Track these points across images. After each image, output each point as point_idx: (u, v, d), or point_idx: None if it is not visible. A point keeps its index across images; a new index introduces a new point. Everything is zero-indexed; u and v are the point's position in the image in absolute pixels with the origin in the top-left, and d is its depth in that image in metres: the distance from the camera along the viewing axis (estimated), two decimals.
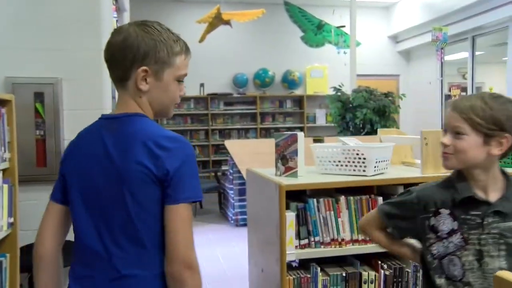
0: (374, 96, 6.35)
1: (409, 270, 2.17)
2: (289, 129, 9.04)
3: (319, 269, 2.09)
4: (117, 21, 4.13)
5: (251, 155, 5.05)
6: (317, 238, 2.07)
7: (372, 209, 2.10)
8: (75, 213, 1.25)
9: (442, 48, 7.14)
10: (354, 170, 2.16)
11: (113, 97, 3.77)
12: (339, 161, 2.21)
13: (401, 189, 2.15)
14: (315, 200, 2.07)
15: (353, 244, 2.10)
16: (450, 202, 1.39)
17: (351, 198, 2.09)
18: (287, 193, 2.02)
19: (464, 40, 7.78)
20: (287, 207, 2.06)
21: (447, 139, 1.37)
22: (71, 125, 2.74)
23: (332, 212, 2.07)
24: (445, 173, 2.15)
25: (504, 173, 1.40)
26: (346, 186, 2.10)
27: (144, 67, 1.21)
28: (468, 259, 1.36)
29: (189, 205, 1.18)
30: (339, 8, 8.32)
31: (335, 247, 2.08)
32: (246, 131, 9.09)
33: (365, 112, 6.11)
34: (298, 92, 9.22)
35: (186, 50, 1.29)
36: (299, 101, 9.27)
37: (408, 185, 2.17)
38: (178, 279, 1.14)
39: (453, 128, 1.35)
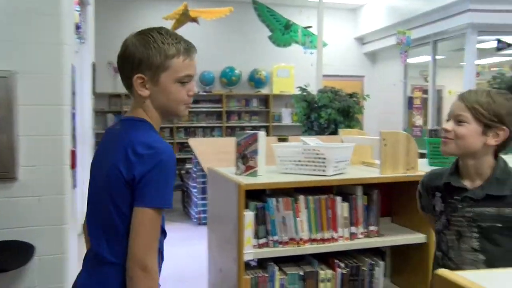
0: (339, 96, 6.43)
1: (365, 268, 2.20)
2: (254, 128, 9.06)
3: (276, 268, 2.09)
4: (80, 14, 4.01)
5: (215, 153, 5.02)
6: (275, 238, 2.07)
7: (331, 209, 2.13)
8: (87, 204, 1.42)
9: (406, 51, 7.30)
10: (314, 170, 2.17)
11: (74, 93, 3.67)
12: (300, 161, 2.22)
13: (360, 189, 2.18)
14: (274, 199, 2.07)
15: (311, 244, 2.11)
16: (441, 187, 1.58)
17: (310, 197, 2.10)
18: (247, 192, 2.01)
19: (426, 44, 7.98)
20: (246, 207, 2.05)
21: (449, 125, 1.50)
22: (28, 120, 2.64)
23: (291, 212, 2.08)
24: (404, 173, 2.21)
25: (504, 167, 1.51)
26: (305, 186, 2.11)
27: (139, 75, 1.29)
28: (451, 238, 1.54)
29: (153, 210, 1.24)
30: (307, 9, 8.39)
31: (293, 246, 2.08)
32: (212, 130, 9.05)
33: (329, 112, 6.18)
34: (264, 91, 9.25)
35: (185, 51, 1.32)
36: (265, 100, 9.30)
37: (366, 185, 2.21)
38: (131, 277, 1.23)
39: (456, 116, 1.48)
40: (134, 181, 1.23)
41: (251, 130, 9.00)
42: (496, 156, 1.52)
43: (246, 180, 2.05)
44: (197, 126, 8.97)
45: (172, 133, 8.80)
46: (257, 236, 2.04)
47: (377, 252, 2.34)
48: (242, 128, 8.82)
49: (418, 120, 8.15)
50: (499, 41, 7.18)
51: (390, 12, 8.38)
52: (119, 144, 1.29)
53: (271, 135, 8.83)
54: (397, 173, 2.20)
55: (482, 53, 7.90)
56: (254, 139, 2.16)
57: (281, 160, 2.29)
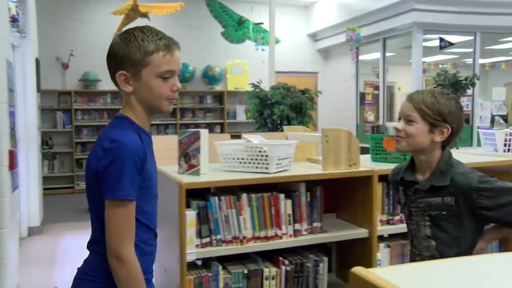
0: (291, 93, 6.46)
1: (310, 265, 2.21)
2: (209, 125, 8.99)
3: (220, 267, 2.07)
4: (16, 6, 3.83)
5: (167, 151, 4.94)
6: (218, 237, 2.05)
7: (274, 206, 2.12)
8: None
9: (356, 48, 7.43)
10: (257, 168, 2.16)
11: (12, 90, 3.50)
12: (243, 159, 2.20)
13: (303, 186, 2.19)
14: (216, 198, 2.05)
15: (255, 242, 2.10)
16: (400, 180, 1.71)
17: (253, 195, 2.09)
18: (190, 191, 1.98)
19: (376, 42, 8.17)
20: (188, 206, 2.01)
21: (400, 125, 1.62)
22: None
23: (234, 210, 2.06)
24: (345, 170, 2.23)
25: (448, 159, 1.62)
26: (249, 184, 2.10)
27: (122, 71, 1.36)
28: (413, 227, 1.68)
29: (118, 201, 1.32)
30: (259, 5, 8.39)
31: (237, 245, 2.07)
32: (166, 127, 8.92)
33: (282, 108, 6.20)
34: (218, 88, 9.19)
35: (165, 47, 1.36)
36: (219, 97, 9.24)
37: (309, 181, 2.23)
38: (111, 266, 1.33)
39: (406, 116, 1.60)
40: (97, 174, 1.32)
41: (206, 127, 8.93)
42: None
43: (188, 179, 2.01)
44: (151, 123, 8.81)
45: None
46: (200, 235, 2.02)
47: (322, 248, 2.37)
48: (197, 125, 8.74)
49: (370, 116, 8.34)
50: (441, 39, 7.45)
51: (341, 9, 8.51)
52: (96, 142, 1.38)
53: (226, 132, 8.80)
54: (340, 170, 2.23)
55: (429, 51, 8.17)
56: (196, 137, 2.13)
57: (224, 158, 2.27)
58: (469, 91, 7.39)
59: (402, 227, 2.41)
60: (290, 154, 2.26)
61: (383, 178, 2.34)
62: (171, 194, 2.03)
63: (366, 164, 2.42)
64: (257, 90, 6.70)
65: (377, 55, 9.02)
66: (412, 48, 7.45)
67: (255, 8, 8.28)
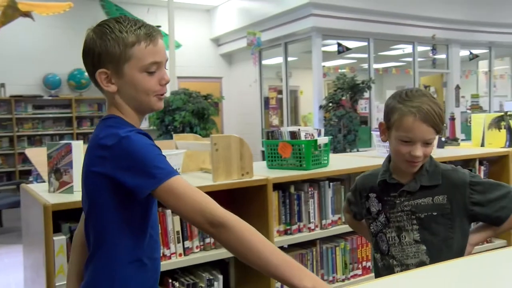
0: (193, 98, 6.28)
1: (203, 285, 2.03)
2: None
3: None
4: None
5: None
6: None
7: (160, 223, 1.92)
8: None
9: (258, 52, 7.43)
10: None
11: None
12: None
13: None
14: None
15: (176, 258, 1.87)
16: (376, 187, 1.58)
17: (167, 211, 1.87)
18: (61, 212, 1.71)
19: (278, 46, 8.25)
20: (58, 230, 1.75)
21: (420, 152, 1.44)
22: None
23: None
24: (237, 179, 2.09)
25: (431, 160, 1.54)
26: None
27: (101, 70, 1.19)
28: (392, 235, 1.55)
29: (168, 182, 1.12)
30: (156, 8, 8.09)
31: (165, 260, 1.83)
32: (61, 137, 8.27)
33: (184, 114, 5.99)
34: None
35: (146, 36, 1.18)
36: None
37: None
38: (220, 241, 1.13)
39: (426, 140, 1.44)
40: (114, 175, 1.13)
41: None
42: None
43: (58, 199, 1.74)
44: (43, 133, 8.12)
45: (13, 142, 7.83)
46: None
47: (218, 265, 2.20)
48: None
49: (275, 120, 8.40)
50: (339, 44, 7.71)
51: (242, 13, 8.49)
52: (90, 148, 1.21)
53: None
54: (231, 179, 2.08)
55: (328, 55, 8.43)
56: (68, 150, 1.86)
57: None
58: (366, 94, 7.71)
59: (301, 237, 2.34)
60: (178, 164, 2.06)
61: (278, 186, 2.24)
62: (38, 216, 1.74)
63: (262, 172, 2.30)
64: None
65: (280, 59, 9.14)
66: (312, 53, 7.62)
67: (153, 11, 7.96)
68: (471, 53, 9.16)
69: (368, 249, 2.53)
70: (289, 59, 8.50)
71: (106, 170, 1.14)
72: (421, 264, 1.49)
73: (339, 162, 2.61)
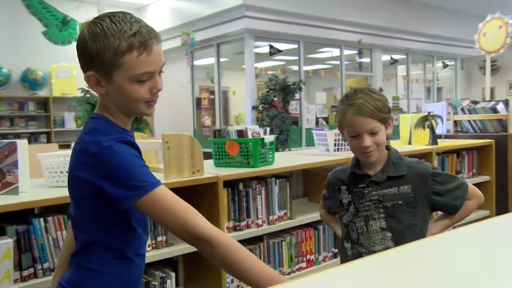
0: None
1: (156, 283, 2.02)
2: (32, 134, 8.05)
3: None
4: None
5: None
6: (46, 265, 1.74)
7: None
8: None
9: (191, 52, 7.40)
10: None
11: None
12: None
13: None
14: (41, 219, 1.73)
15: None
16: (346, 180, 1.70)
17: None
18: (6, 214, 1.64)
19: (211, 47, 8.26)
20: (3, 233, 1.67)
21: (369, 142, 1.57)
22: None
23: (65, 232, 1.77)
24: (189, 177, 2.11)
25: (388, 149, 1.67)
26: None
27: (90, 72, 1.15)
28: (360, 224, 1.66)
29: (151, 194, 1.14)
30: (86, 4, 7.80)
31: None
32: None
33: None
34: (42, 93, 8.28)
35: (140, 45, 1.12)
36: (44, 104, 8.33)
37: None
38: (205, 254, 1.16)
39: (370, 130, 1.56)
40: (94, 183, 1.13)
41: (29, 136, 7.97)
42: None
43: (2, 200, 1.66)
44: None
45: None
46: (20, 267, 1.68)
47: (168, 263, 2.20)
48: (17, 135, 7.73)
49: (207, 121, 8.40)
50: (271, 46, 7.88)
51: (174, 13, 8.41)
52: (77, 148, 1.19)
53: (53, 142, 7.96)
54: (183, 177, 2.09)
55: (260, 57, 8.58)
56: (12, 149, 1.78)
57: (50, 172, 1.95)
58: (297, 95, 7.95)
59: (249, 233, 2.39)
60: None
61: (227, 183, 2.28)
62: None
63: (209, 170, 2.33)
64: (88, 96, 6.19)
65: (211, 60, 9.15)
66: (244, 54, 7.72)
67: (83, 8, 7.66)
68: (391, 58, 9.75)
69: (312, 243, 2.64)
70: (221, 59, 8.54)
71: (89, 177, 1.14)
72: (386, 250, 1.60)
73: (283, 160, 2.71)
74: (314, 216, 2.61)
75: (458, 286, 0.55)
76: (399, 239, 1.60)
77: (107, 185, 1.13)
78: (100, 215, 1.22)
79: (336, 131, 3.01)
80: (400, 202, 1.61)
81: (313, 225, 2.66)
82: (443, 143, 3.49)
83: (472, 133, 4.13)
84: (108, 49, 1.11)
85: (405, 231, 1.60)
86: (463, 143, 3.59)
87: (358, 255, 1.66)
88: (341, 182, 1.73)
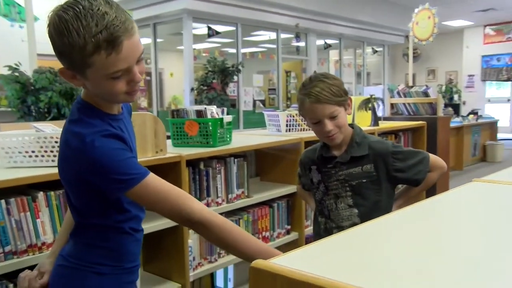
0: (60, 77, 5.83)
1: None
2: None
3: (11, 285, 1.71)
4: None
5: None
6: (7, 248, 1.68)
7: None
8: None
9: None
10: (53, 161, 1.84)
11: None
12: (33, 151, 1.85)
13: None
14: (3, 201, 1.67)
15: None
16: (316, 160, 1.80)
17: (52, 193, 1.78)
18: None
19: (147, 27, 8.04)
20: None
21: (328, 126, 1.65)
22: None
23: (29, 213, 1.72)
24: (152, 156, 2.10)
25: (353, 128, 1.76)
26: (45, 180, 1.77)
27: (62, 68, 1.11)
28: (330, 202, 1.77)
29: (140, 184, 1.15)
30: None
31: (34, 254, 1.73)
32: None
33: (50, 95, 5.55)
34: None
35: (108, 44, 1.02)
36: None
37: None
38: (205, 236, 1.24)
39: (329, 115, 1.64)
40: (80, 174, 1.13)
41: None
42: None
43: None
44: None
45: None
46: None
47: None
48: None
49: (143, 102, 8.22)
50: (209, 28, 7.84)
51: None
52: (63, 138, 1.18)
53: None
54: (147, 156, 2.08)
55: (196, 38, 8.49)
56: None
57: (7, 152, 1.87)
58: (235, 78, 7.99)
59: (230, 206, 2.46)
60: None
61: (188, 163, 2.30)
62: None
63: (168, 149, 2.33)
64: (16, 74, 5.82)
65: (145, 40, 8.91)
66: (183, 35, 7.61)
67: None
68: (325, 42, 10.05)
69: (267, 220, 2.74)
70: (157, 40, 8.36)
71: (73, 169, 1.16)
72: (353, 225, 1.71)
73: (239, 140, 2.76)
74: (269, 194, 2.70)
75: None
76: (365, 215, 1.72)
77: (93, 179, 1.13)
78: (92, 201, 1.22)
79: (288, 112, 3.11)
80: (365, 180, 1.72)
81: (268, 203, 2.75)
82: (383, 125, 3.72)
83: (406, 115, 4.42)
84: (74, 49, 1.02)
85: (371, 207, 1.72)
86: (401, 125, 3.85)
87: (329, 230, 1.78)
88: (312, 162, 1.83)
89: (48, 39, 1.08)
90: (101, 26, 1.01)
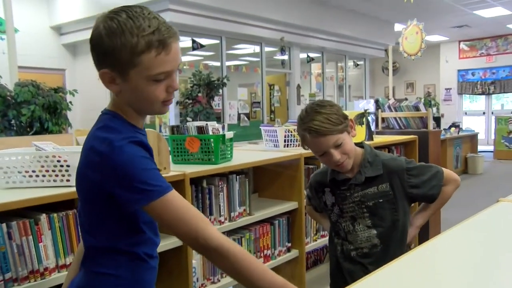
0: (42, 91, 5.69)
1: None
2: None
3: None
4: None
5: None
6: (8, 275, 1.58)
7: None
8: None
9: None
10: (55, 181, 1.76)
11: None
12: (33, 171, 1.76)
13: None
14: (4, 225, 1.57)
15: (59, 271, 1.70)
16: (329, 182, 1.77)
17: (55, 215, 1.69)
18: None
19: None
20: None
21: (338, 155, 1.62)
22: None
23: (31, 237, 1.62)
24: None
25: (363, 146, 1.74)
26: (46, 202, 1.68)
27: (105, 70, 1.11)
28: (346, 224, 1.74)
29: (161, 199, 1.10)
30: None
31: (35, 280, 1.64)
32: None
33: (33, 109, 5.40)
34: None
35: (159, 44, 1.07)
36: None
37: None
38: (213, 262, 1.17)
39: (334, 144, 1.60)
40: (102, 183, 1.09)
41: None
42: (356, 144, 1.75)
43: None
44: None
45: None
46: None
47: None
48: None
49: None
50: (193, 41, 7.80)
51: (90, 2, 7.96)
52: (87, 146, 1.15)
53: None
54: None
55: (182, 51, 8.43)
56: None
57: (5, 172, 1.77)
58: (221, 91, 7.95)
59: (233, 225, 2.39)
60: None
61: (191, 181, 2.23)
62: None
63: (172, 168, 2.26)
64: None
65: None
66: None
67: None
68: (308, 56, 10.11)
69: (268, 238, 2.68)
70: None
71: (96, 177, 1.11)
72: (373, 246, 1.68)
73: (239, 156, 2.71)
74: (270, 211, 2.65)
75: None
76: (383, 235, 1.69)
77: (114, 187, 1.09)
78: (106, 216, 1.17)
79: (285, 127, 3.08)
80: (381, 200, 1.69)
81: (268, 220, 2.69)
82: (377, 139, 3.72)
83: (397, 129, 4.44)
84: (125, 47, 1.06)
85: (389, 227, 1.69)
86: (393, 139, 3.86)
87: (346, 251, 1.74)
88: (324, 185, 1.80)
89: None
90: (153, 27, 1.08)
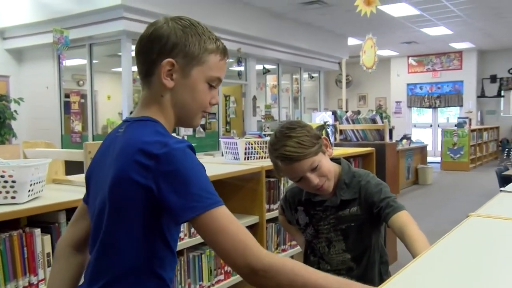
0: None
1: None
2: None
3: None
4: None
5: None
6: None
7: (27, 246, 1.61)
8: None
9: (64, 51, 6.79)
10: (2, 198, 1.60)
11: None
12: None
13: (63, 215, 1.74)
14: None
15: None
16: (303, 201, 1.68)
17: None
18: None
19: (82, 47, 7.67)
20: None
21: (315, 179, 1.52)
22: None
23: None
24: None
25: (340, 163, 1.66)
26: None
27: (170, 60, 1.09)
28: (322, 245, 1.67)
29: (214, 211, 1.03)
30: None
31: None
32: None
33: None
34: None
35: (223, 51, 1.15)
36: None
37: (72, 209, 1.79)
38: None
39: (309, 168, 1.51)
40: (161, 188, 0.99)
41: None
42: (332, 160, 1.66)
43: None
44: None
45: None
46: None
47: None
48: None
49: (77, 126, 7.77)
50: None
51: (38, 7, 7.61)
52: (124, 149, 1.05)
53: None
54: None
55: (133, 60, 8.23)
56: None
57: None
58: None
59: (193, 241, 2.30)
60: (43, 177, 1.77)
61: None
62: None
63: None
64: None
65: (78, 61, 8.51)
66: (121, 57, 7.34)
67: None
68: (264, 67, 10.14)
69: None
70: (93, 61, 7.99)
71: (148, 182, 1.00)
72: (349, 269, 1.62)
73: None
74: None
75: None
76: (358, 259, 1.63)
77: (169, 193, 0.99)
78: (143, 228, 1.05)
79: (246, 139, 3.01)
80: (353, 224, 1.60)
81: None
82: (336, 151, 3.71)
83: (355, 141, 4.48)
84: (199, 43, 1.11)
85: (361, 249, 1.63)
86: (352, 151, 3.87)
87: (324, 271, 1.65)
88: (298, 202, 1.71)
89: None
90: (215, 37, 1.15)
